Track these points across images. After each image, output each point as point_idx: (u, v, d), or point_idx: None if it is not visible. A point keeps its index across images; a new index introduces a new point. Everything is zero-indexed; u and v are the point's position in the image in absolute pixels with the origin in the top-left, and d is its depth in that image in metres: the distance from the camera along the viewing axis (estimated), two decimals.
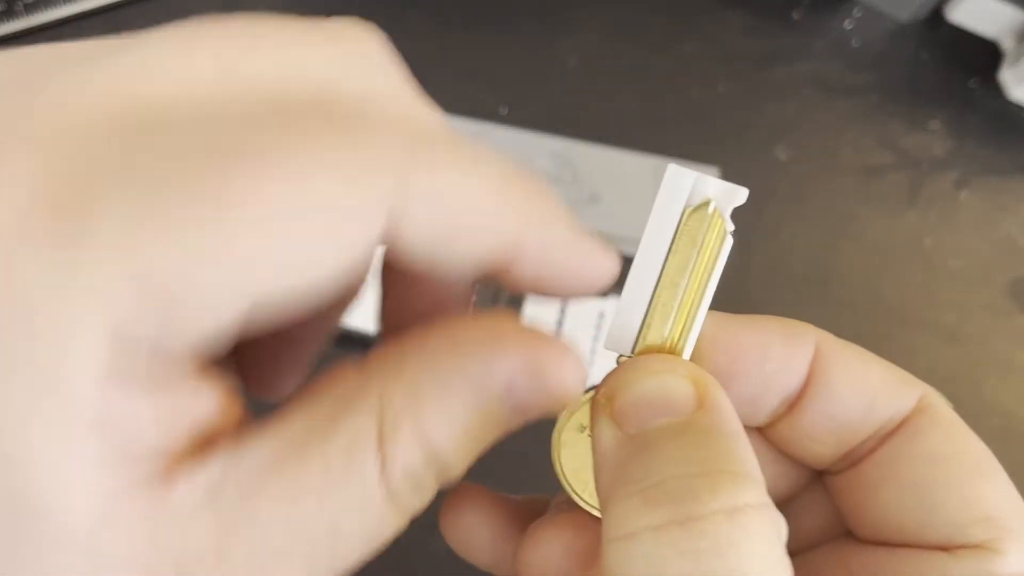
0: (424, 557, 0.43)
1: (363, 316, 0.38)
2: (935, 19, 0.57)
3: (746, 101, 0.54)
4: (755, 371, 0.16)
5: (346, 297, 0.16)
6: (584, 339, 0.43)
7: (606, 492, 0.14)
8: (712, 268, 0.16)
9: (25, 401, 0.11)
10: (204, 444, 0.13)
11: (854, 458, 0.17)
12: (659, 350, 0.16)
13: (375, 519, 0.14)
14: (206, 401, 0.13)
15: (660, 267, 0.16)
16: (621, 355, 0.16)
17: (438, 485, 0.15)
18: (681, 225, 0.15)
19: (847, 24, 0.57)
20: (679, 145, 0.51)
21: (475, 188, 0.13)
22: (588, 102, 0.53)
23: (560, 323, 0.45)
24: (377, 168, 0.12)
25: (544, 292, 0.15)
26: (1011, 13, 0.54)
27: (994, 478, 0.16)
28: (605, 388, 0.16)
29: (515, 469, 0.30)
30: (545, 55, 0.52)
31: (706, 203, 0.15)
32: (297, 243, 0.12)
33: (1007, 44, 0.56)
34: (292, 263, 0.12)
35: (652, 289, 0.16)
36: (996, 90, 0.55)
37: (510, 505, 0.19)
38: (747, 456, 0.14)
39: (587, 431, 0.16)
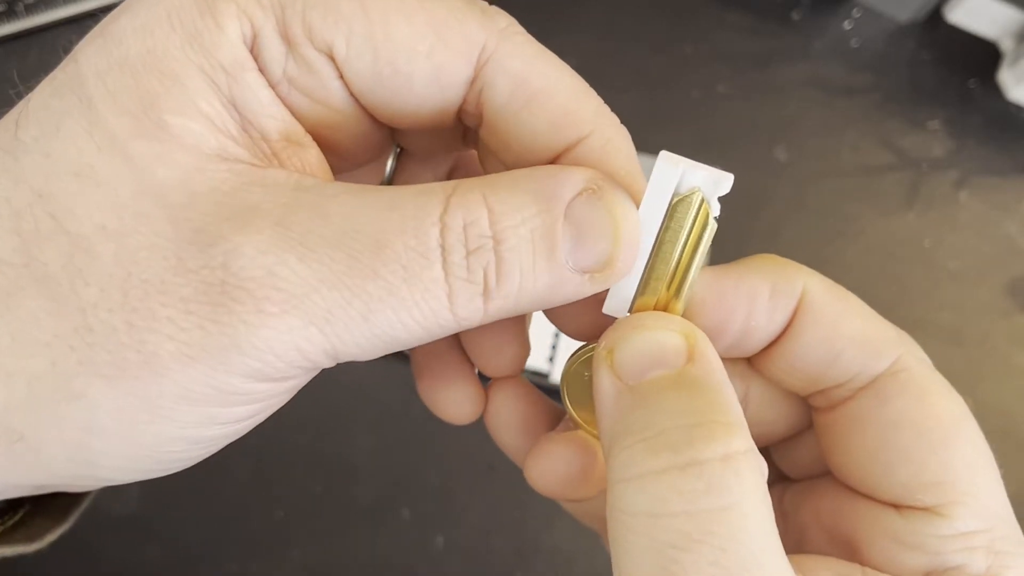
0: (424, 557, 0.43)
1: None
2: (935, 20, 0.57)
3: (746, 101, 0.54)
4: (740, 326, 0.18)
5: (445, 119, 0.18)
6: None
7: (609, 438, 0.16)
8: (697, 251, 0.17)
9: (182, 46, 0.15)
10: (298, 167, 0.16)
11: (832, 401, 0.19)
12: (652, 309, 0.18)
13: (412, 248, 0.15)
14: (313, 147, 0.17)
15: (651, 245, 0.17)
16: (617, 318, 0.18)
17: (486, 297, 0.16)
18: (670, 208, 0.17)
19: (847, 24, 0.57)
20: (679, 145, 0.51)
21: (555, 75, 0.17)
22: None
23: None
24: (477, 22, 0.16)
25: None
26: (1010, 14, 0.54)
27: (955, 445, 0.17)
28: (605, 341, 0.17)
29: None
30: None
31: (693, 190, 0.16)
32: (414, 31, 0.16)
33: (1006, 45, 0.56)
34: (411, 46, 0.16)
35: (644, 264, 0.17)
36: (995, 90, 0.55)
37: (546, 405, 0.22)
38: (734, 406, 0.16)
39: (588, 375, 0.19)
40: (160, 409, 0.15)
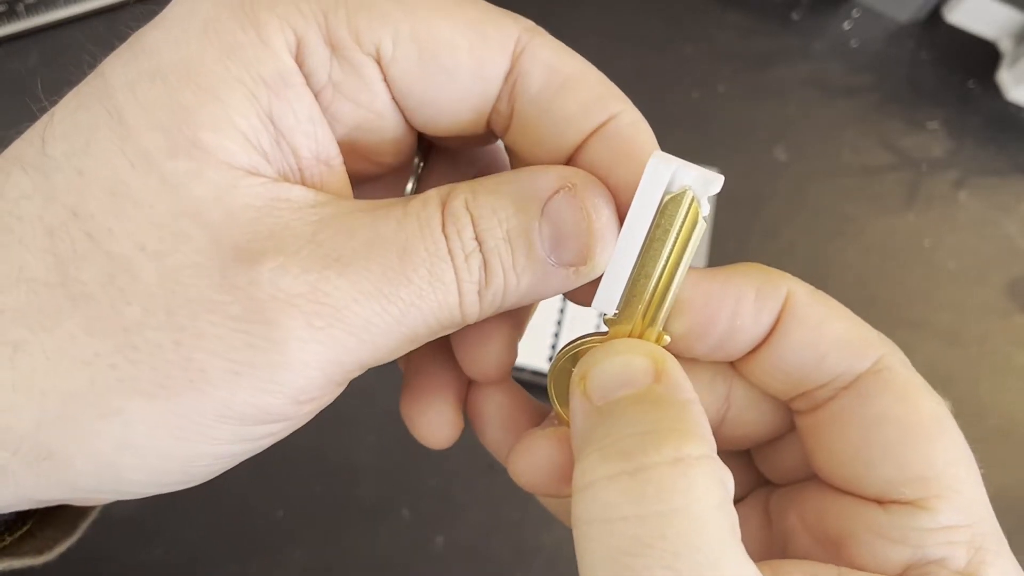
0: (424, 557, 0.43)
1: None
2: (934, 20, 0.57)
3: (746, 101, 0.54)
4: (725, 327, 0.18)
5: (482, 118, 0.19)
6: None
7: (576, 453, 0.16)
8: (685, 250, 0.17)
9: (220, 59, 0.15)
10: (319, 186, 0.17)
11: (813, 403, 0.19)
12: (637, 318, 0.18)
13: (433, 253, 0.16)
14: (340, 169, 0.17)
15: (641, 244, 0.17)
16: (605, 314, 0.19)
17: (479, 297, 0.17)
18: (661, 207, 0.17)
19: (846, 25, 0.57)
20: (679, 146, 0.51)
21: (582, 64, 0.18)
22: None
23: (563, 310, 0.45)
24: (509, 20, 0.17)
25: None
26: (1010, 14, 0.55)
27: (937, 441, 0.17)
28: (579, 368, 0.18)
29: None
30: None
31: (684, 190, 0.17)
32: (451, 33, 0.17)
33: (1005, 45, 0.56)
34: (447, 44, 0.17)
35: (633, 262, 0.18)
36: (995, 91, 0.55)
37: (530, 403, 0.22)
38: (696, 419, 0.16)
39: (571, 371, 0.19)
40: (198, 426, 0.15)
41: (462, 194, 0.17)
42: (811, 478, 0.20)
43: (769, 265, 0.19)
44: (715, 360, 0.20)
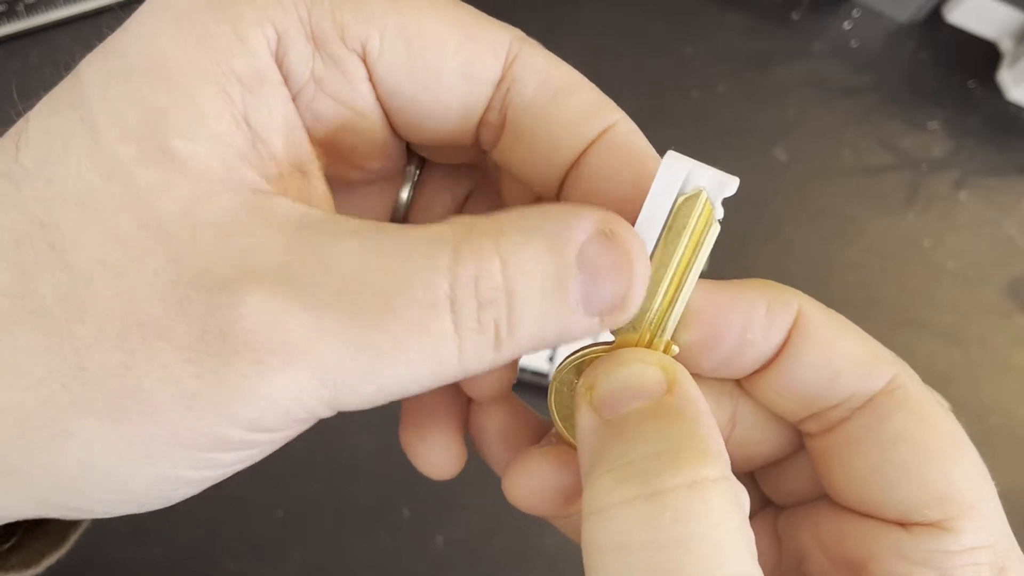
0: (424, 557, 0.43)
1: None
2: (934, 20, 0.57)
3: (746, 101, 0.54)
4: (735, 340, 0.18)
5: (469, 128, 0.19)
6: None
7: (586, 473, 0.16)
8: (699, 251, 0.17)
9: (192, 54, 0.14)
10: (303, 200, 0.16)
11: (827, 424, 0.18)
12: (645, 327, 0.17)
13: (422, 301, 0.14)
14: (318, 176, 0.17)
15: (653, 247, 0.17)
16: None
17: (496, 347, 0.15)
18: (674, 209, 0.16)
19: (846, 25, 0.57)
20: (679, 146, 0.51)
21: (575, 74, 0.18)
22: None
23: None
24: (500, 27, 0.17)
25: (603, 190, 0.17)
26: (1010, 14, 0.54)
27: (957, 460, 0.17)
28: (585, 378, 0.17)
29: None
30: None
31: (698, 192, 0.16)
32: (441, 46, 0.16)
33: (1006, 45, 0.56)
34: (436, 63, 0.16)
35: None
36: (995, 91, 0.55)
37: (530, 418, 0.21)
38: (711, 435, 0.15)
39: (575, 383, 0.18)
40: (153, 452, 0.14)
41: (489, 236, 0.15)
42: (819, 498, 0.19)
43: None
44: (723, 376, 0.19)
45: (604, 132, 0.17)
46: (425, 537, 0.42)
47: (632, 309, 0.16)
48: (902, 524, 0.17)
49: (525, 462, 0.19)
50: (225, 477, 0.16)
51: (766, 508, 0.22)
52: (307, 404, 0.14)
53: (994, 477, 0.18)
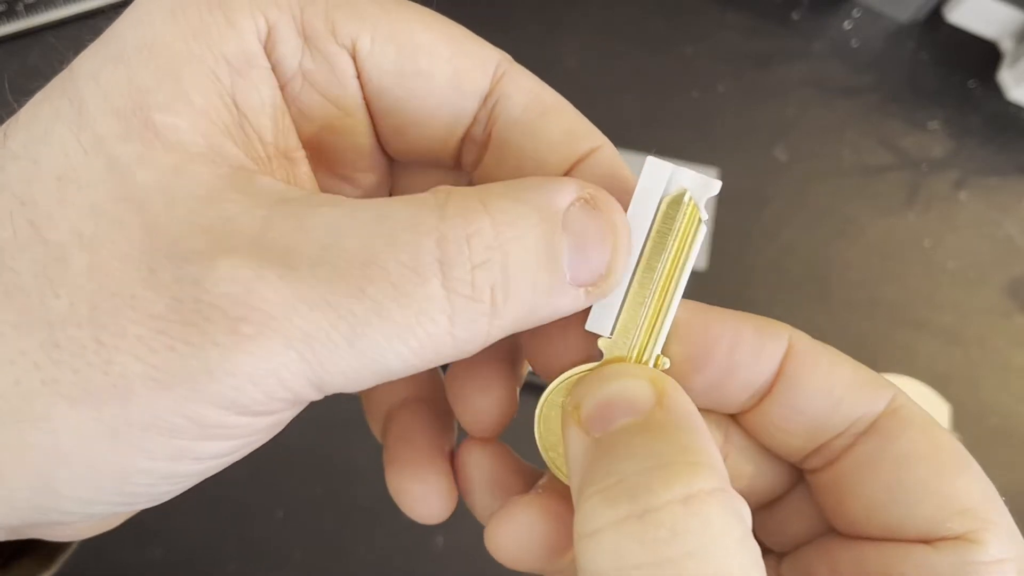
0: (424, 557, 0.43)
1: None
2: (934, 20, 0.57)
3: (746, 101, 0.54)
4: (724, 358, 0.17)
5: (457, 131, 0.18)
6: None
7: (576, 495, 0.15)
8: (686, 255, 0.17)
9: (183, 39, 0.15)
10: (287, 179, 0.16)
11: (830, 456, 0.18)
12: (633, 337, 0.17)
13: (414, 279, 0.14)
14: (304, 164, 0.17)
15: (638, 253, 0.17)
16: (601, 336, 0.17)
17: (491, 316, 0.14)
18: (658, 214, 0.16)
19: (846, 25, 0.57)
20: (679, 146, 0.51)
21: (559, 98, 0.18)
22: (588, 103, 0.52)
23: None
24: (489, 47, 0.17)
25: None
26: (1010, 14, 0.55)
27: (968, 473, 0.17)
28: (572, 397, 0.16)
29: None
30: (545, 56, 0.52)
31: (682, 193, 0.16)
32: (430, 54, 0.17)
33: (1006, 45, 0.56)
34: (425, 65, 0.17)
35: (631, 274, 0.17)
36: (995, 90, 0.55)
37: (519, 467, 0.20)
38: (704, 446, 0.15)
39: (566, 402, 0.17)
40: (127, 437, 0.13)
41: (475, 195, 0.14)
42: (824, 534, 0.19)
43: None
44: (716, 407, 0.18)
45: (590, 153, 0.17)
46: (425, 537, 0.42)
47: (616, 279, 0.16)
48: (926, 541, 0.17)
49: (510, 511, 0.18)
50: (208, 474, 0.15)
51: (766, 556, 0.21)
52: (286, 379, 0.13)
53: (992, 476, 0.18)
